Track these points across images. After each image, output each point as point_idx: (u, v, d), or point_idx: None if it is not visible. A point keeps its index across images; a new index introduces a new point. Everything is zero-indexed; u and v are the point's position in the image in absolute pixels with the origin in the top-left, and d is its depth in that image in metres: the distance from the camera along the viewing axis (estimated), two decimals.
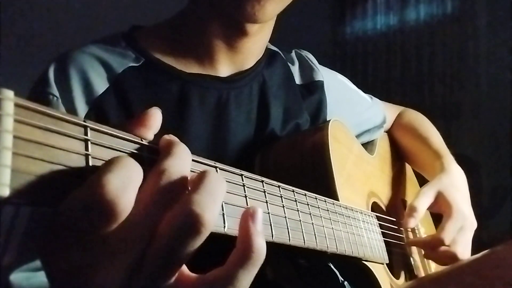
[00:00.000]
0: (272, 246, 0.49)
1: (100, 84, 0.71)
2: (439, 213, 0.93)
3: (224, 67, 0.79)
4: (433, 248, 0.87)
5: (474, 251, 0.90)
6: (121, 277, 0.32)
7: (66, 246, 0.31)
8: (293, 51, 0.96)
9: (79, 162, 0.31)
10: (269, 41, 0.86)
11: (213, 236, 0.36)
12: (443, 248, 0.86)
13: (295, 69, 0.92)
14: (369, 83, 3.42)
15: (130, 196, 0.31)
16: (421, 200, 0.88)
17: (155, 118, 0.37)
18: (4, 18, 2.10)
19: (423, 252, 0.95)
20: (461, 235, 0.88)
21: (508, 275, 0.53)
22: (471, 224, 0.91)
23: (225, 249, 0.70)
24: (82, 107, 0.69)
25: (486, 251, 0.62)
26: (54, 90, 0.68)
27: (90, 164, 0.31)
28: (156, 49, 0.77)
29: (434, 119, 1.16)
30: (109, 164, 0.31)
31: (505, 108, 2.78)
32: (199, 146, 0.73)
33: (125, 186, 0.30)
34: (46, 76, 0.69)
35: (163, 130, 0.71)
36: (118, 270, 0.32)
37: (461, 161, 1.02)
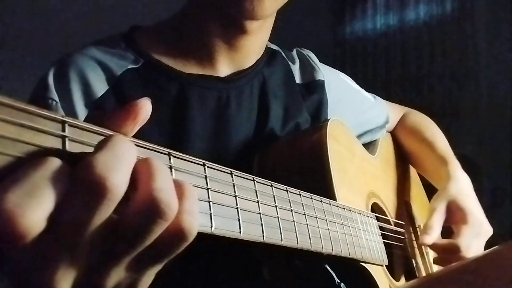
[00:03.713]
0: (268, 247, 0.48)
1: (100, 87, 0.71)
2: (451, 225, 0.91)
3: (224, 67, 0.79)
4: (447, 253, 0.86)
5: None
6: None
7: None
8: (295, 49, 0.95)
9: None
10: (269, 41, 0.86)
11: (201, 238, 0.35)
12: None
13: (295, 68, 0.91)
14: (369, 83, 3.41)
15: (121, 174, 0.30)
16: (435, 218, 0.88)
17: (145, 110, 0.35)
18: (4, 18, 2.10)
19: (425, 254, 0.94)
20: (476, 241, 0.87)
21: (508, 275, 0.52)
22: (486, 231, 0.90)
23: (215, 251, 0.69)
24: (81, 110, 0.69)
25: (486, 251, 0.61)
26: (54, 94, 0.68)
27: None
28: (155, 50, 0.76)
29: (434, 119, 1.15)
30: (98, 144, 0.30)
31: (505, 108, 2.78)
32: (199, 147, 0.73)
33: (115, 163, 0.29)
34: (46, 80, 0.70)
35: (164, 130, 0.71)
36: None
37: (461, 161, 1.01)
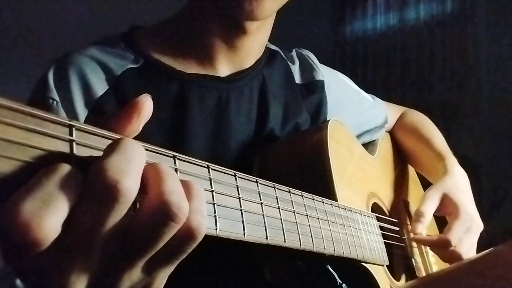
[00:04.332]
0: (270, 248, 0.48)
1: (100, 87, 0.71)
2: (444, 216, 0.92)
3: (223, 67, 0.79)
4: (439, 248, 0.86)
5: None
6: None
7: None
8: (294, 50, 0.96)
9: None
10: (269, 41, 0.86)
11: (207, 240, 0.35)
12: (452, 249, 0.85)
13: (295, 69, 0.91)
14: (369, 83, 3.41)
15: (132, 177, 0.30)
16: (427, 205, 0.88)
17: (147, 106, 0.35)
18: (4, 18, 2.10)
19: (424, 253, 0.95)
20: (467, 236, 0.87)
21: (508, 275, 0.52)
22: (478, 226, 0.91)
23: (220, 253, 0.70)
24: (82, 110, 0.69)
25: (486, 251, 0.61)
26: (54, 94, 0.68)
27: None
28: (155, 50, 0.77)
29: (434, 119, 1.16)
30: (108, 147, 0.30)
31: (505, 108, 2.77)
32: (199, 147, 0.73)
33: (126, 166, 0.29)
34: (46, 79, 0.70)
35: (164, 130, 0.71)
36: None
37: (461, 161, 1.01)
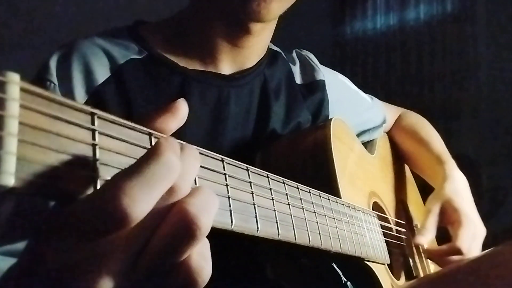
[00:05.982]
0: (275, 245, 0.49)
1: (101, 73, 0.71)
2: (446, 226, 0.93)
3: (226, 66, 0.79)
4: (450, 257, 0.87)
5: None
6: (110, 280, 0.30)
7: (65, 244, 0.29)
8: (294, 51, 0.96)
9: (86, 152, 0.29)
10: (270, 41, 0.86)
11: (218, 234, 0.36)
12: (458, 257, 0.86)
13: (296, 69, 0.92)
14: (369, 83, 3.41)
15: (146, 207, 0.29)
16: (430, 220, 0.89)
17: (183, 110, 0.37)
18: (4, 16, 2.09)
19: (422, 254, 0.95)
20: (474, 243, 0.88)
21: (508, 275, 0.53)
22: (481, 231, 0.92)
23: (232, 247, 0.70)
24: (81, 96, 0.69)
25: (486, 251, 0.62)
26: (53, 77, 0.69)
27: (97, 154, 0.29)
28: (159, 45, 0.77)
29: (434, 119, 1.16)
30: (128, 170, 0.30)
31: (505, 108, 2.78)
32: (196, 142, 0.73)
33: (144, 197, 0.29)
34: (47, 63, 0.70)
35: None
36: (108, 274, 0.30)
37: (461, 161, 1.01)
